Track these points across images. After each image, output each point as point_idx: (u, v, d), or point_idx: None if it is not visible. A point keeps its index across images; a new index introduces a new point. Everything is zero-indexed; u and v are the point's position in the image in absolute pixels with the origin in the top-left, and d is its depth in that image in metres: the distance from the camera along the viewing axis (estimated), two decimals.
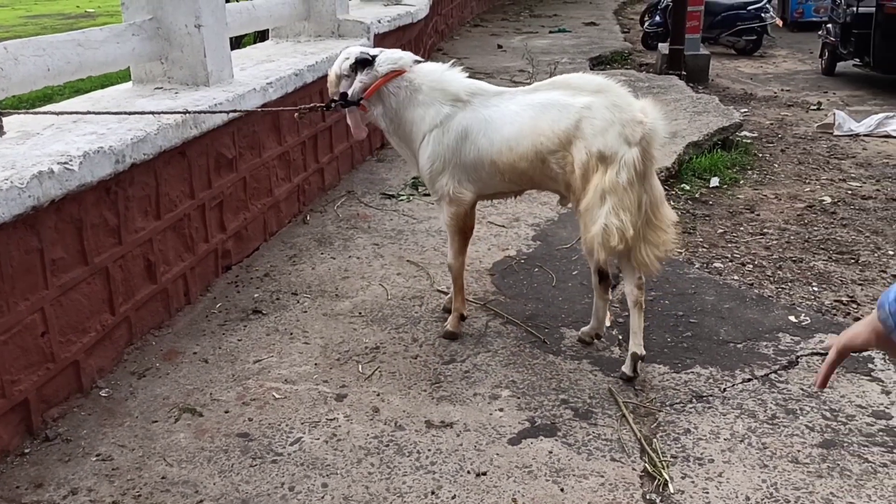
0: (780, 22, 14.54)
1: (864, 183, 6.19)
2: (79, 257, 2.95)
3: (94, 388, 3.03)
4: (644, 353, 3.08)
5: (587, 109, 2.95)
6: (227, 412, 2.92)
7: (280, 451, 2.70)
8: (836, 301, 4.10)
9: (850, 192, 5.96)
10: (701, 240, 4.86)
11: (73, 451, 2.68)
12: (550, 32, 13.40)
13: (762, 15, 12.44)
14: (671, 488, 2.48)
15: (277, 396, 3.01)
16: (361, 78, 3.24)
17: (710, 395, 2.98)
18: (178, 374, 3.17)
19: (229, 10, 4.41)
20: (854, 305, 4.07)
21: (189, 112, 3.44)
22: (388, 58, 3.25)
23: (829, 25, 10.79)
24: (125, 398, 3.00)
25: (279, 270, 4.11)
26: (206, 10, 3.93)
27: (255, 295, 3.84)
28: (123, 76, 7.29)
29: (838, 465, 2.58)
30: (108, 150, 2.98)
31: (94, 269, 3.03)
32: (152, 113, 3.26)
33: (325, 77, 4.98)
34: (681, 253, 4.56)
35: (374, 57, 3.26)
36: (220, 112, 3.68)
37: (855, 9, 9.75)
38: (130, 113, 3.08)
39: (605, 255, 2.95)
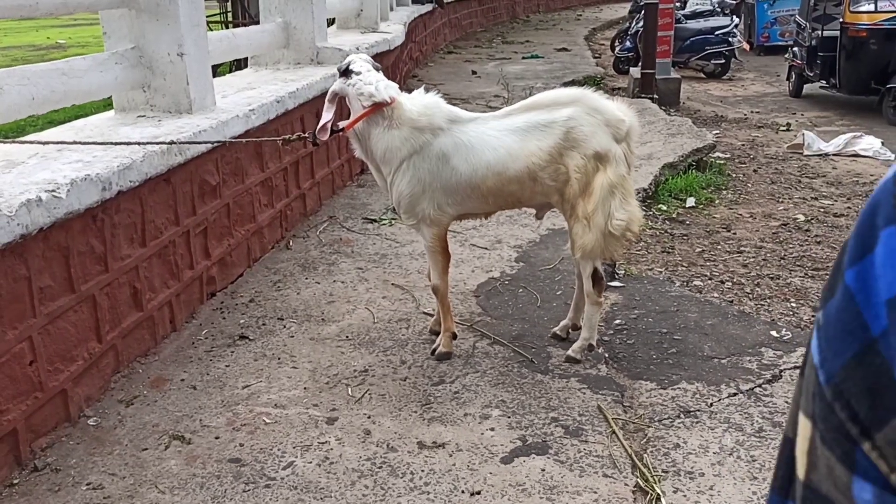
0: (746, 46, 14.87)
1: (836, 201, 6.33)
2: (66, 285, 2.94)
3: (81, 416, 3.01)
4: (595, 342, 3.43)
5: (571, 120, 3.15)
6: (217, 438, 2.91)
7: (273, 476, 2.69)
8: (813, 316, 4.16)
9: (822, 209, 6.09)
10: (680, 259, 4.94)
11: (62, 480, 2.65)
12: (523, 58, 13.57)
13: (730, 39, 12.71)
14: (664, 502, 2.51)
15: (268, 421, 3.01)
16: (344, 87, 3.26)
17: (698, 410, 3.03)
18: (166, 402, 3.15)
19: (210, 38, 4.44)
20: None
21: (184, 142, 3.46)
22: (369, 93, 3.20)
23: (796, 49, 11.05)
24: (114, 426, 2.97)
25: (264, 296, 4.11)
26: (188, 38, 3.96)
27: (241, 321, 3.84)
28: (98, 106, 7.28)
29: None
30: (95, 178, 2.98)
31: (81, 297, 3.02)
32: (156, 143, 3.26)
33: (306, 104, 5.06)
34: (661, 272, 4.63)
35: (354, 72, 3.25)
36: (208, 142, 3.69)
37: (820, 32, 10.01)
38: (128, 143, 3.09)
39: (622, 246, 3.33)
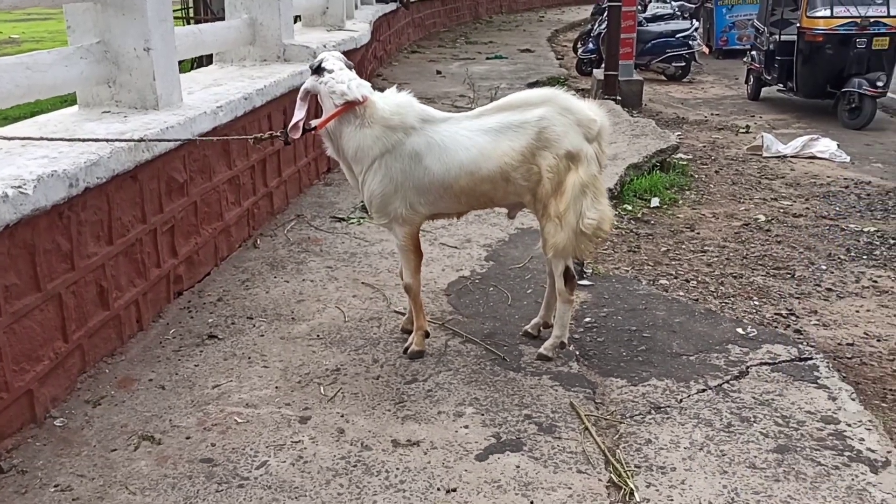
0: (706, 49, 15.11)
1: (795, 202, 6.46)
2: (32, 283, 2.88)
3: (48, 417, 2.95)
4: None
5: (544, 120, 3.18)
6: (188, 438, 2.87)
7: (246, 476, 2.66)
8: (776, 314, 4.26)
9: (781, 210, 6.22)
10: (646, 258, 5.00)
11: (29, 482, 2.60)
12: (487, 59, 13.62)
13: (690, 42, 12.89)
14: (637, 497, 2.55)
15: (239, 421, 2.98)
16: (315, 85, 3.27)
17: (668, 406, 3.07)
18: (134, 402, 3.10)
19: (177, 34, 4.37)
20: (793, 318, 4.25)
21: (155, 140, 3.40)
22: (341, 91, 3.20)
23: (754, 53, 11.24)
24: (81, 427, 2.92)
25: (232, 295, 4.07)
26: (155, 33, 3.90)
27: (210, 320, 3.79)
28: (55, 103, 7.10)
29: (794, 468, 2.69)
30: (62, 174, 2.92)
31: (47, 296, 2.96)
32: (125, 140, 3.21)
33: (273, 101, 5.02)
34: (628, 270, 4.69)
35: (327, 70, 3.25)
36: (178, 140, 3.64)
37: (778, 37, 10.20)
38: (97, 140, 3.03)
39: (594, 245, 3.36)
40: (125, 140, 3.35)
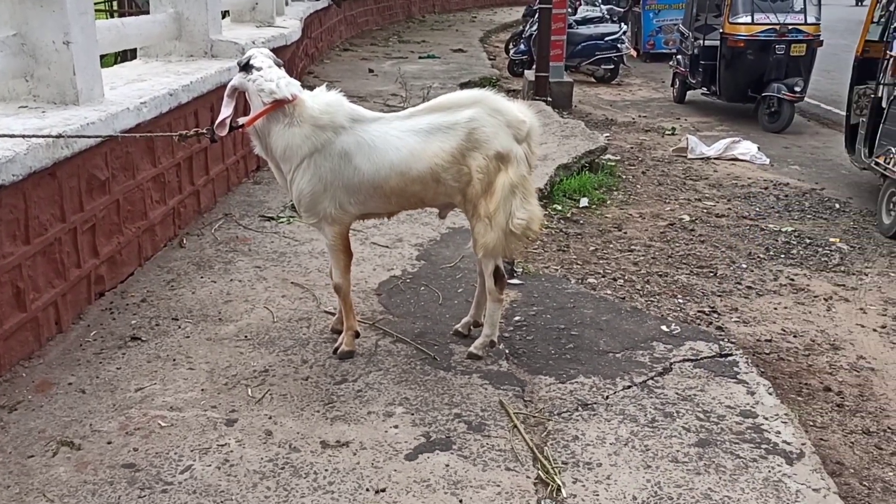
0: (634, 53, 15.42)
1: (717, 202, 6.66)
2: None
3: None
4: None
5: (474, 121, 3.19)
6: (109, 443, 2.79)
7: (170, 481, 2.60)
8: (699, 311, 4.39)
9: (705, 210, 6.40)
10: (575, 257, 5.08)
11: None
12: (420, 58, 13.62)
13: (618, 45, 13.14)
14: (564, 493, 2.59)
15: (163, 424, 2.91)
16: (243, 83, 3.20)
17: (595, 403, 3.13)
18: (53, 406, 3.00)
19: (98, 27, 4.24)
20: (715, 315, 4.38)
21: (74, 136, 3.29)
22: (270, 90, 3.15)
23: (680, 57, 11.53)
24: None
25: (157, 296, 3.97)
26: (75, 26, 3.77)
27: (133, 321, 3.69)
28: None
29: (714, 462, 2.77)
30: None
31: None
32: (42, 136, 3.09)
33: (200, 98, 4.92)
34: (557, 269, 4.76)
35: (255, 67, 3.18)
36: (99, 136, 3.53)
37: (702, 42, 10.49)
38: (12, 136, 2.91)
39: (524, 244, 3.43)
40: (43, 136, 3.24)
